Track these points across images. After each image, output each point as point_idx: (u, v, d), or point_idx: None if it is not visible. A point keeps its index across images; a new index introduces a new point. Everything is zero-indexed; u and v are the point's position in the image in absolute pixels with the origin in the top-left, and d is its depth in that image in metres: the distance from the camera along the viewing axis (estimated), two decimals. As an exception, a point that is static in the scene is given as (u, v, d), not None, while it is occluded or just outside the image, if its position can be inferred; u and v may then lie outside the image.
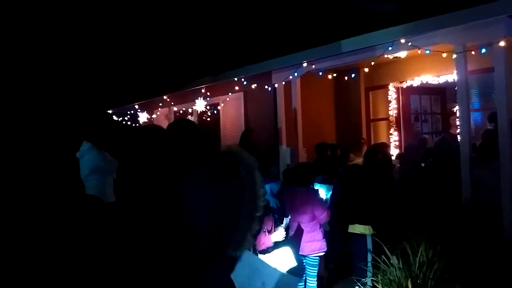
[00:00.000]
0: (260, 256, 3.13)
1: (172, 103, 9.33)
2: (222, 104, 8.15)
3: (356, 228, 4.39)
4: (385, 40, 5.01)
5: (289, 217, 4.01)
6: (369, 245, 4.30)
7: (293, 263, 3.30)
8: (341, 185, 4.83)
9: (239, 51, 7.88)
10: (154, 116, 10.22)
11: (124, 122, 11.53)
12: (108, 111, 11.82)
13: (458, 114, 4.83)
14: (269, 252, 3.41)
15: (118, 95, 11.66)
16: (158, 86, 9.75)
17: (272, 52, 6.43)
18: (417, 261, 3.63)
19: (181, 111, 9.30)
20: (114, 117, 11.77)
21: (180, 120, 2.76)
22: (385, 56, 5.39)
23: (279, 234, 3.59)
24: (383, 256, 3.80)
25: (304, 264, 4.08)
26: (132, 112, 10.89)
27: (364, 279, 4.17)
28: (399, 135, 7.19)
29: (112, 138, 4.17)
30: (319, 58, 5.77)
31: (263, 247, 3.42)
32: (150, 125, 2.99)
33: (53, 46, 13.50)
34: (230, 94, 7.64)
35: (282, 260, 3.22)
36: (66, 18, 12.93)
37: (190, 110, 8.93)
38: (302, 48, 5.92)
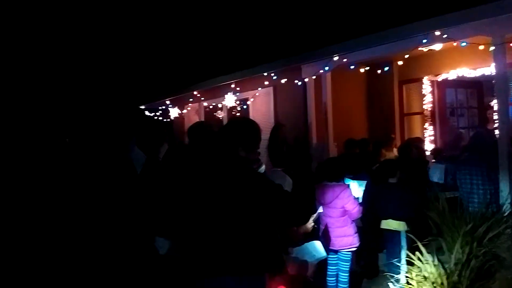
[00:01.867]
0: (289, 249, 3.14)
1: (202, 98, 9.42)
2: (252, 99, 8.17)
3: (390, 224, 4.33)
4: (419, 32, 4.88)
5: (319, 208, 3.98)
6: (403, 242, 4.24)
7: (322, 254, 3.30)
8: (374, 181, 4.77)
9: (269, 45, 7.86)
10: (184, 111, 10.35)
11: (155, 118, 11.74)
12: (140, 107, 12.07)
13: (496, 108, 4.65)
14: (299, 245, 3.41)
15: (150, 91, 11.89)
16: (188, 81, 9.87)
17: (303, 46, 6.39)
18: (453, 258, 3.55)
19: (211, 107, 9.38)
20: (146, 113, 12.00)
21: (236, 122, 2.81)
22: (420, 48, 5.25)
23: (308, 225, 3.57)
24: (417, 252, 3.73)
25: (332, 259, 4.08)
26: (163, 107, 11.07)
27: (397, 276, 4.12)
28: (434, 130, 7.00)
29: (144, 133, 4.24)
30: (351, 51, 5.69)
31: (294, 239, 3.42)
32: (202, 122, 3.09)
33: (86, 44, 13.89)
34: (259, 89, 7.65)
35: (311, 251, 3.23)
36: (97, 15, 13.27)
37: (219, 106, 9.00)
38: (333, 41, 5.85)
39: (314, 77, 6.43)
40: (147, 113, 11.89)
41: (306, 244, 3.30)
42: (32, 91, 14.18)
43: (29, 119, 13.64)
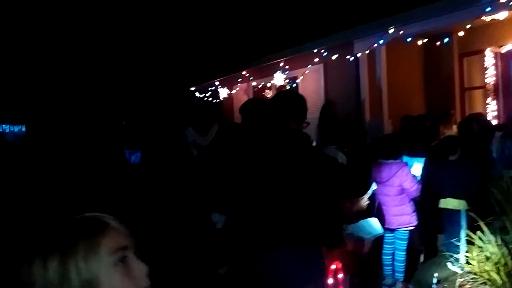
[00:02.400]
0: (344, 226, 3.11)
1: (251, 78, 9.41)
2: (301, 77, 8.05)
3: (449, 203, 4.16)
4: (482, 0, 4.56)
5: (373, 186, 3.89)
6: (463, 221, 4.06)
7: (379, 231, 3.25)
8: (432, 158, 4.58)
9: (319, 20, 7.66)
10: (233, 91, 10.42)
11: (205, 99, 11.91)
12: (191, 89, 12.29)
13: None
14: (353, 222, 3.37)
15: (200, 72, 12.05)
16: (237, 61, 9.88)
17: (355, 19, 6.16)
18: (517, 238, 3.36)
19: (259, 86, 9.36)
20: (196, 94, 12.20)
21: (280, 94, 2.79)
22: (482, 18, 4.91)
23: (362, 202, 3.52)
24: (478, 232, 3.57)
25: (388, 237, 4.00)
26: (212, 88, 11.20)
27: (456, 255, 3.98)
28: (497, 104, 6.58)
29: (195, 115, 4.32)
30: (408, 23, 5.42)
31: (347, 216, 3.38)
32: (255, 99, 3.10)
33: (138, 30, 14.24)
34: (309, 66, 7.51)
35: (367, 228, 3.19)
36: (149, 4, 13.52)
37: (268, 85, 8.96)
38: (389, 13, 5.60)
39: (367, 52, 6.21)
40: (197, 94, 12.09)
41: (361, 221, 3.26)
42: (90, 76, 14.81)
43: (88, 103, 14.31)
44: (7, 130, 14.91)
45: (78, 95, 14.50)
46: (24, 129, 15.18)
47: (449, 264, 4.10)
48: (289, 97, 2.66)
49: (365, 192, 3.06)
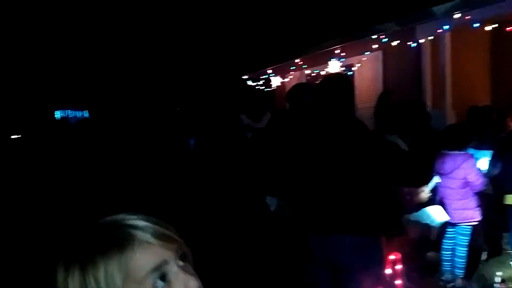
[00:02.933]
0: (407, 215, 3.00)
1: (305, 66, 9.27)
2: (358, 65, 7.81)
3: (516, 199, 3.90)
4: None
5: (435, 178, 3.71)
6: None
7: (444, 217, 3.11)
8: (499, 152, 4.30)
9: (379, 4, 7.35)
10: (286, 80, 10.33)
11: (258, 87, 11.92)
12: (243, 77, 12.34)
13: None
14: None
15: (252, 60, 12.06)
16: (291, 49, 9.77)
17: (419, 3, 5.85)
18: None
19: (313, 74, 9.21)
20: (249, 83, 12.23)
21: (336, 77, 2.74)
22: None
23: (424, 194, 3.37)
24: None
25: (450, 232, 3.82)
26: (265, 77, 11.17)
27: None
28: None
29: (248, 103, 4.32)
30: (477, 7, 5.07)
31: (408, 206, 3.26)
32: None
33: (194, 18, 14.48)
34: (367, 53, 7.26)
35: (431, 215, 3.06)
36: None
37: (322, 73, 8.78)
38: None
39: (431, 38, 5.89)
40: (249, 83, 12.12)
41: (425, 208, 3.13)
42: (148, 64, 15.31)
43: (145, 90, 14.83)
44: (71, 116, 15.82)
45: (137, 82, 15.06)
46: (86, 114, 16.08)
47: (512, 264, 3.87)
48: (341, 79, 2.62)
49: (427, 182, 2.93)
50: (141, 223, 0.79)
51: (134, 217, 0.81)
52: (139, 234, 0.77)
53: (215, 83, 13.55)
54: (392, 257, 2.54)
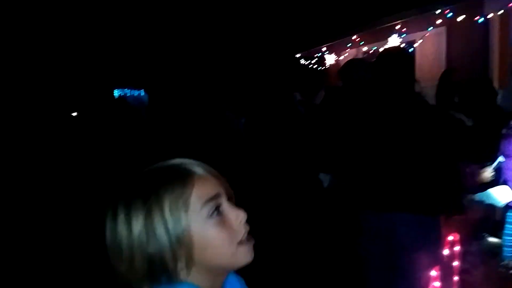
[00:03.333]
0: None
1: (362, 43, 8.97)
2: (420, 41, 7.44)
3: None
4: None
5: (499, 158, 3.52)
6: None
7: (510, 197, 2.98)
8: None
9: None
10: (341, 58, 10.08)
11: (311, 66, 11.74)
12: (296, 55, 12.18)
13: None
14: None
15: (306, 38, 11.85)
16: (347, 24, 9.47)
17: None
18: None
19: (371, 51, 8.89)
20: (302, 61, 12.07)
21: (398, 52, 2.66)
22: None
23: (487, 174, 3.21)
24: None
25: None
26: (319, 54, 10.96)
27: None
28: None
29: (305, 80, 4.30)
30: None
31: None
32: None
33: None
34: (430, 29, 6.89)
35: (497, 195, 2.93)
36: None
37: (381, 50, 8.47)
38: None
39: (500, 12, 5.48)
40: (302, 61, 11.95)
41: (489, 189, 3.00)
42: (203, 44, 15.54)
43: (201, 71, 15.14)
44: (128, 94, 16.51)
45: (192, 62, 15.36)
46: (142, 93, 16.71)
47: None
48: (403, 55, 2.53)
49: (491, 160, 2.79)
50: (196, 163, 0.90)
51: (189, 160, 0.91)
52: (197, 169, 0.88)
53: (268, 62, 13.51)
54: (450, 237, 2.45)
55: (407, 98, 2.33)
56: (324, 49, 10.53)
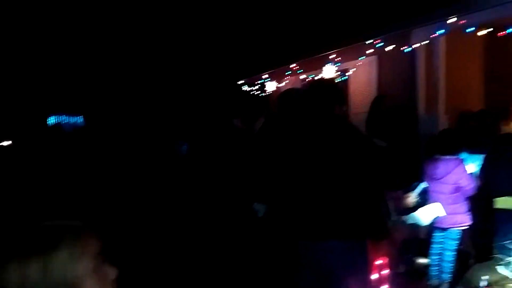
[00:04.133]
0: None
1: (300, 71, 9.25)
2: (353, 69, 7.79)
3: (506, 203, 3.86)
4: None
5: (422, 183, 3.70)
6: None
7: (442, 213, 3.11)
8: (490, 157, 4.27)
9: (374, 9, 7.35)
10: (282, 84, 10.31)
11: (252, 92, 11.87)
12: (238, 82, 12.33)
13: None
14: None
15: (248, 65, 12.06)
16: (286, 54, 9.76)
17: (414, 8, 5.84)
18: None
19: (309, 79, 9.18)
20: (244, 87, 12.20)
21: (320, 82, 2.73)
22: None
23: (410, 199, 3.35)
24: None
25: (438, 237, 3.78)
26: (260, 81, 11.15)
27: (508, 259, 3.69)
28: None
29: (245, 107, 4.30)
30: (473, 11, 5.05)
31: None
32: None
33: (189, 24, 14.49)
34: (362, 58, 7.24)
35: (429, 212, 3.05)
36: None
37: (318, 78, 8.76)
38: (449, 1, 5.26)
39: (425, 43, 5.87)
40: (245, 88, 12.08)
41: (418, 210, 3.11)
42: (141, 69, 15.30)
43: (141, 96, 14.84)
44: (65, 121, 15.79)
45: (132, 88, 15.04)
46: (80, 120, 16.05)
47: (499, 268, 3.81)
48: (328, 83, 2.64)
49: (411, 184, 2.91)
50: (80, 223, 1.02)
51: (67, 222, 1.01)
52: (86, 229, 1.00)
53: (210, 88, 13.54)
54: (378, 262, 2.48)
55: (331, 127, 2.38)
56: (265, 76, 10.73)
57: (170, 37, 14.67)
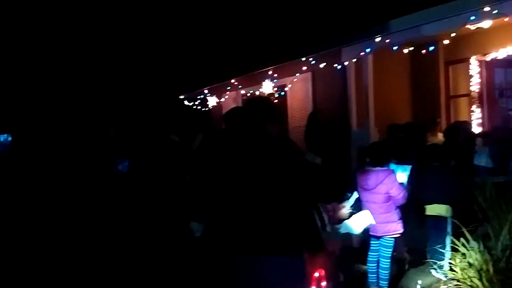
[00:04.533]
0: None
1: (240, 86, 9.40)
2: (290, 85, 8.07)
3: (435, 209, 4.18)
4: (467, 9, 4.62)
5: (354, 194, 3.90)
6: (449, 227, 4.08)
7: (371, 221, 3.28)
8: (418, 166, 4.60)
9: (306, 29, 7.71)
10: (222, 99, 10.40)
11: (193, 107, 11.86)
12: (180, 97, 12.24)
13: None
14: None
15: (189, 81, 12.03)
16: (226, 70, 9.89)
17: (343, 28, 6.21)
18: (500, 244, 3.39)
19: (248, 94, 9.36)
20: (185, 102, 12.15)
21: (253, 100, 2.80)
22: (467, 26, 4.98)
23: (344, 210, 3.50)
24: (462, 239, 3.59)
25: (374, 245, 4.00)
26: (202, 96, 11.17)
27: (440, 263, 3.98)
28: (482, 112, 6.64)
29: (183, 123, 4.32)
30: (395, 31, 5.47)
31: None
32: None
33: (126, 36, 14.20)
34: (297, 74, 7.53)
35: (360, 220, 3.22)
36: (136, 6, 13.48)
37: (257, 93, 8.96)
38: (375, 21, 5.65)
39: (354, 60, 6.25)
40: (186, 102, 12.04)
41: (346, 220, 3.27)
42: (79, 87, 14.71)
43: (78, 113, 14.22)
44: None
45: (66, 103, 14.38)
46: (9, 138, 15.07)
47: (433, 271, 4.10)
48: (262, 101, 2.69)
49: (343, 196, 3.07)
50: None
51: None
52: None
53: (150, 103, 13.30)
54: (316, 274, 2.58)
55: (260, 144, 2.44)
56: (206, 91, 10.77)
57: (109, 52, 14.27)
